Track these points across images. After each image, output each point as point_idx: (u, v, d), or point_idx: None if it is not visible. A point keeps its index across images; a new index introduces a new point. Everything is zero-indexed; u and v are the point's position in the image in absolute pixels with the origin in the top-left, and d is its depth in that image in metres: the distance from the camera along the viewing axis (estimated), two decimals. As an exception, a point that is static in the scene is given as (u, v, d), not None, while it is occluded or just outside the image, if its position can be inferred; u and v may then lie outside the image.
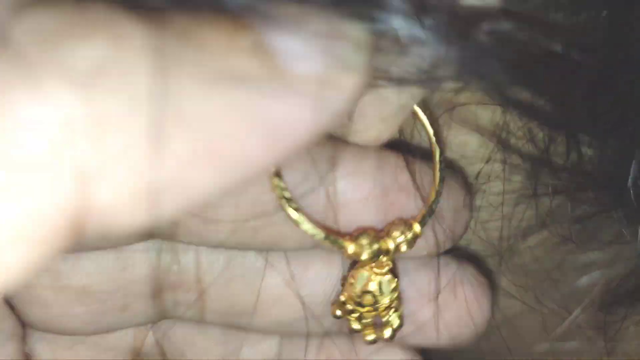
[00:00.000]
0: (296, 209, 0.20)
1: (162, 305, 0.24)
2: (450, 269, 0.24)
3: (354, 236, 0.21)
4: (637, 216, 0.23)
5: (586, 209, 0.24)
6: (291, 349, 0.25)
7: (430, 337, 0.24)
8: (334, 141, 0.21)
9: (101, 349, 0.25)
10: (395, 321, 0.22)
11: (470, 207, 0.23)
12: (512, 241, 0.25)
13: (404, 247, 0.21)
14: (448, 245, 0.23)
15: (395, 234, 0.21)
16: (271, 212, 0.21)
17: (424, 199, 0.21)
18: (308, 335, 0.24)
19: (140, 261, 0.23)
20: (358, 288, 0.22)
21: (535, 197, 0.23)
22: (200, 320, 0.24)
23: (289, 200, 0.20)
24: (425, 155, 0.22)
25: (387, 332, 0.22)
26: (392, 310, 0.22)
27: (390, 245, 0.21)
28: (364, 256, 0.20)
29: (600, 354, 0.29)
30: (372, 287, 0.22)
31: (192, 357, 0.25)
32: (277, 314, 0.24)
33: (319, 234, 0.20)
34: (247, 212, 0.21)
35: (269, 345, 0.25)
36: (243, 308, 0.24)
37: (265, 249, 0.23)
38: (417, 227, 0.21)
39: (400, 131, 0.22)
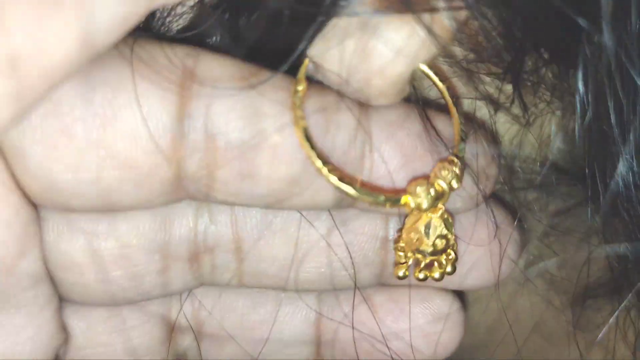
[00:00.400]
0: (349, 183, 0.20)
1: (200, 269, 0.23)
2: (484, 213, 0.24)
3: (409, 190, 0.21)
4: (608, 211, 0.24)
5: (562, 203, 0.26)
6: (331, 303, 0.25)
7: (477, 277, 0.24)
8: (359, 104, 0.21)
9: (137, 321, 0.24)
10: (452, 255, 0.23)
11: (499, 158, 0.23)
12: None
13: (455, 184, 0.21)
14: (485, 195, 0.23)
15: (444, 172, 0.21)
16: (307, 160, 0.21)
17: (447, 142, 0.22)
18: (355, 286, 0.24)
19: (177, 221, 0.23)
20: (431, 238, 0.22)
21: (512, 191, 0.25)
22: (239, 284, 0.24)
23: (340, 176, 0.20)
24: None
25: (449, 268, 0.23)
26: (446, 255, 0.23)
27: (443, 185, 0.21)
28: (425, 205, 0.21)
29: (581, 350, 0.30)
30: (441, 230, 0.22)
31: (231, 325, 0.25)
32: (317, 266, 0.23)
33: (379, 198, 0.20)
34: (283, 159, 0.21)
35: (309, 302, 0.25)
36: (282, 263, 0.23)
37: (301, 208, 0.22)
38: (459, 162, 0.21)
39: (414, 87, 0.23)
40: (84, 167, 0.20)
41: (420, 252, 0.22)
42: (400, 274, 0.23)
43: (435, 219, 0.22)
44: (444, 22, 0.19)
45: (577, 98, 0.20)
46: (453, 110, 0.22)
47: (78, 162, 0.20)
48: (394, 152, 0.21)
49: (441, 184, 0.21)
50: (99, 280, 0.22)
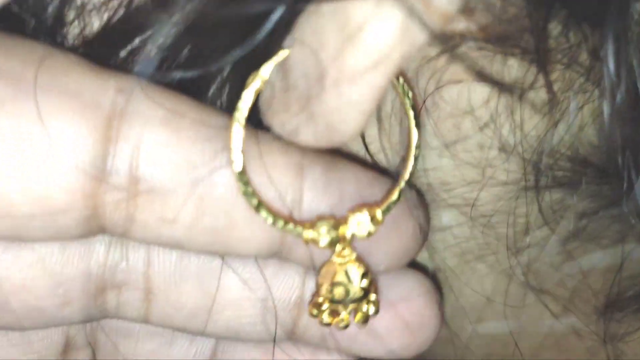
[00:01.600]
0: (253, 194, 0.20)
1: (104, 304, 0.22)
2: (404, 280, 0.23)
3: (313, 223, 0.21)
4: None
5: (590, 204, 0.23)
6: (227, 346, 0.24)
7: (381, 349, 0.23)
8: (300, 150, 0.21)
9: (34, 336, 0.23)
10: (370, 309, 0.22)
11: (428, 222, 0.23)
12: (515, 238, 0.24)
13: (363, 232, 0.21)
14: (405, 261, 0.23)
15: (353, 219, 0.21)
16: (232, 213, 0.20)
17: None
18: (274, 341, 0.23)
19: (86, 256, 0.22)
20: (327, 283, 0.21)
21: (537, 189, 0.22)
22: (144, 321, 0.23)
23: (250, 193, 0.20)
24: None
25: (359, 317, 0.22)
26: (367, 300, 0.22)
27: (348, 231, 0.20)
28: (322, 243, 0.20)
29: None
30: (340, 277, 0.21)
31: (126, 350, 0.24)
32: (226, 319, 0.23)
33: (278, 221, 0.20)
34: (208, 210, 0.20)
35: (204, 341, 0.24)
36: (191, 311, 0.22)
37: (221, 254, 0.22)
38: (378, 213, 0.21)
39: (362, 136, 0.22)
40: None
41: (339, 302, 0.22)
42: (314, 312, 0.22)
43: (339, 266, 0.21)
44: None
45: (606, 75, 0.18)
46: (411, 151, 0.21)
47: None
48: (319, 200, 0.21)
49: (346, 230, 0.21)
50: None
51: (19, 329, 0.22)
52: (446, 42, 0.18)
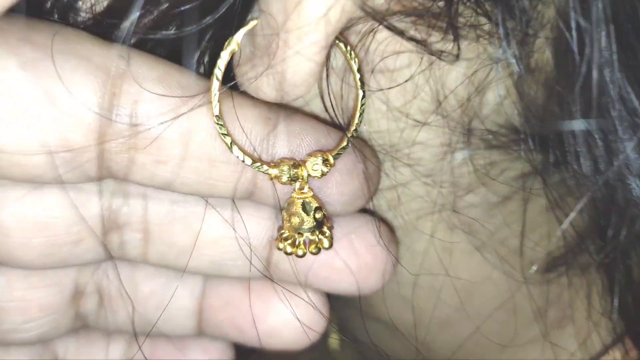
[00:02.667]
0: (228, 134, 0.24)
1: (110, 244, 0.26)
2: (360, 221, 0.27)
3: (277, 163, 0.25)
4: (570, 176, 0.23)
5: (527, 167, 0.24)
6: (214, 285, 0.28)
7: (342, 283, 0.27)
8: (268, 105, 0.24)
9: (50, 281, 0.26)
10: (324, 241, 0.26)
11: (377, 171, 0.26)
12: (452, 198, 0.26)
13: (317, 172, 0.25)
14: (358, 204, 0.26)
15: (310, 162, 0.25)
16: (212, 155, 0.24)
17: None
18: (251, 271, 0.27)
19: (95, 199, 0.25)
20: (287, 213, 0.26)
21: (470, 149, 0.23)
22: (143, 261, 0.27)
23: (225, 134, 0.24)
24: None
25: (312, 247, 0.26)
26: (321, 233, 0.26)
27: (305, 171, 0.25)
28: (284, 179, 0.25)
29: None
30: (297, 208, 0.26)
31: (127, 292, 0.27)
32: (211, 255, 0.26)
33: (248, 158, 0.24)
34: (192, 152, 0.24)
35: (196, 282, 0.28)
36: (181, 249, 0.26)
37: (205, 195, 0.25)
38: (330, 157, 0.25)
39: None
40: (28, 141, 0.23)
41: (298, 231, 0.26)
42: (281, 246, 0.26)
43: (309, 198, 0.26)
44: None
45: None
46: (358, 102, 0.24)
47: (23, 136, 0.22)
48: (285, 146, 0.25)
49: (303, 170, 0.25)
50: (22, 244, 0.25)
51: (38, 267, 0.26)
52: (375, 14, 0.21)
